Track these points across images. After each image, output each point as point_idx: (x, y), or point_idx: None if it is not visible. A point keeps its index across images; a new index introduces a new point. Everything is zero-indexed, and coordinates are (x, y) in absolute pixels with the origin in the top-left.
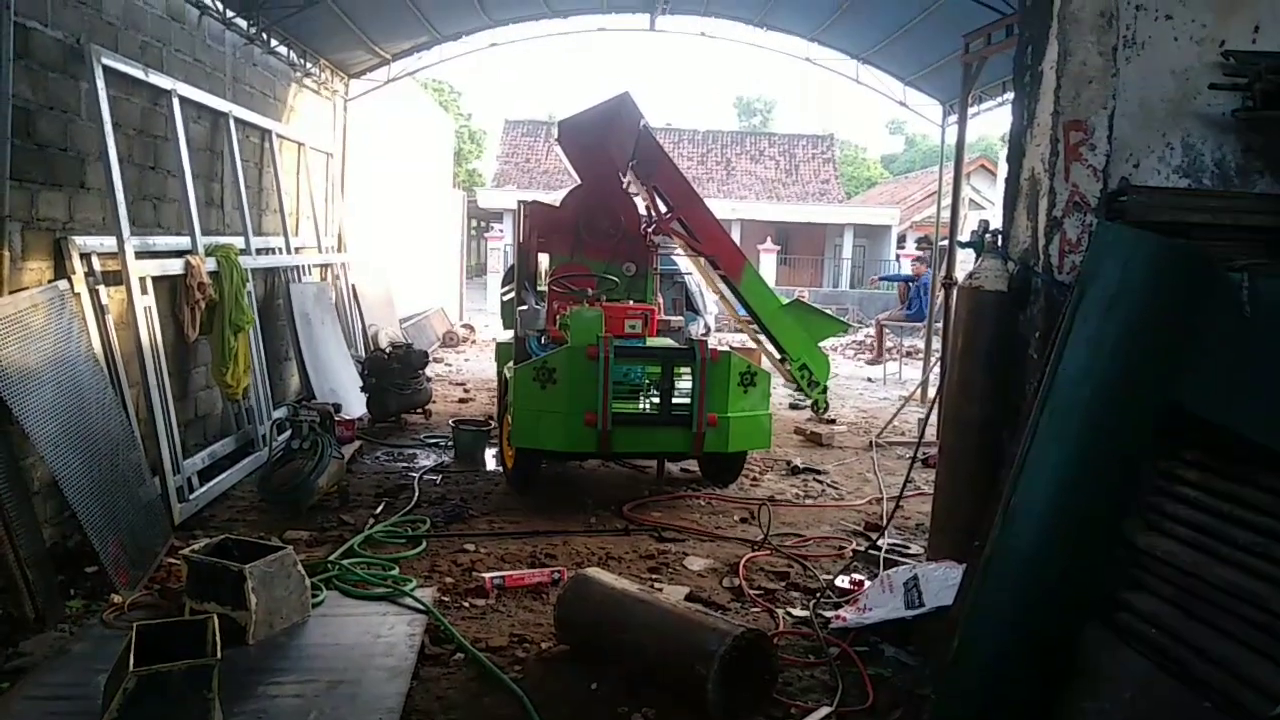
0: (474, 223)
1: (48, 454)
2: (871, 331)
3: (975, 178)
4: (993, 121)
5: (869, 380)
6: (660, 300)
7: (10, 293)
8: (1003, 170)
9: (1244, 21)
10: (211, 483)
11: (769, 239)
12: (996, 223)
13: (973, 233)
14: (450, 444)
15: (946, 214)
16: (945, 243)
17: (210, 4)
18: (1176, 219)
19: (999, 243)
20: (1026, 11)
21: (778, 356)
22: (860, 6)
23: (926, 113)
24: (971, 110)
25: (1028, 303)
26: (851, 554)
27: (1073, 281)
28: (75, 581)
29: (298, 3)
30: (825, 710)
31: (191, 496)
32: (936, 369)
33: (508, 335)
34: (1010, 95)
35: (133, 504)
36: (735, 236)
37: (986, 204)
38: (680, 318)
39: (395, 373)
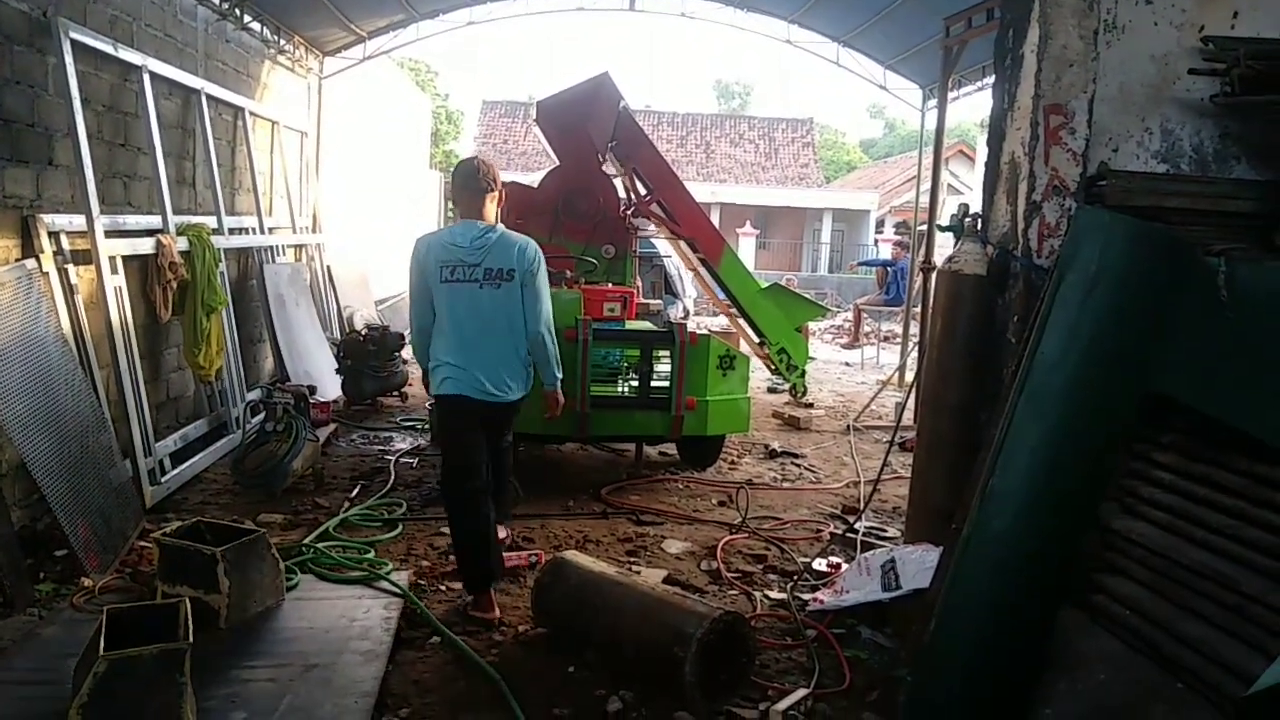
0: (451, 204)
1: (15, 435)
2: (849, 316)
3: (953, 163)
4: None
5: (846, 365)
6: (639, 283)
7: None
8: (981, 156)
9: (1223, 8)
10: (184, 465)
11: (748, 222)
12: (975, 207)
13: (952, 216)
14: (427, 427)
15: (925, 198)
16: (924, 227)
17: None
18: (1155, 204)
19: (978, 226)
20: None
21: (756, 340)
22: None
23: (906, 96)
24: (951, 94)
25: (1006, 286)
26: (829, 537)
27: (1051, 265)
28: (44, 565)
29: None
30: (802, 692)
31: (163, 479)
32: (914, 353)
33: None
34: (990, 79)
35: (103, 486)
36: (715, 220)
37: (965, 189)
38: (659, 301)
39: (371, 355)
